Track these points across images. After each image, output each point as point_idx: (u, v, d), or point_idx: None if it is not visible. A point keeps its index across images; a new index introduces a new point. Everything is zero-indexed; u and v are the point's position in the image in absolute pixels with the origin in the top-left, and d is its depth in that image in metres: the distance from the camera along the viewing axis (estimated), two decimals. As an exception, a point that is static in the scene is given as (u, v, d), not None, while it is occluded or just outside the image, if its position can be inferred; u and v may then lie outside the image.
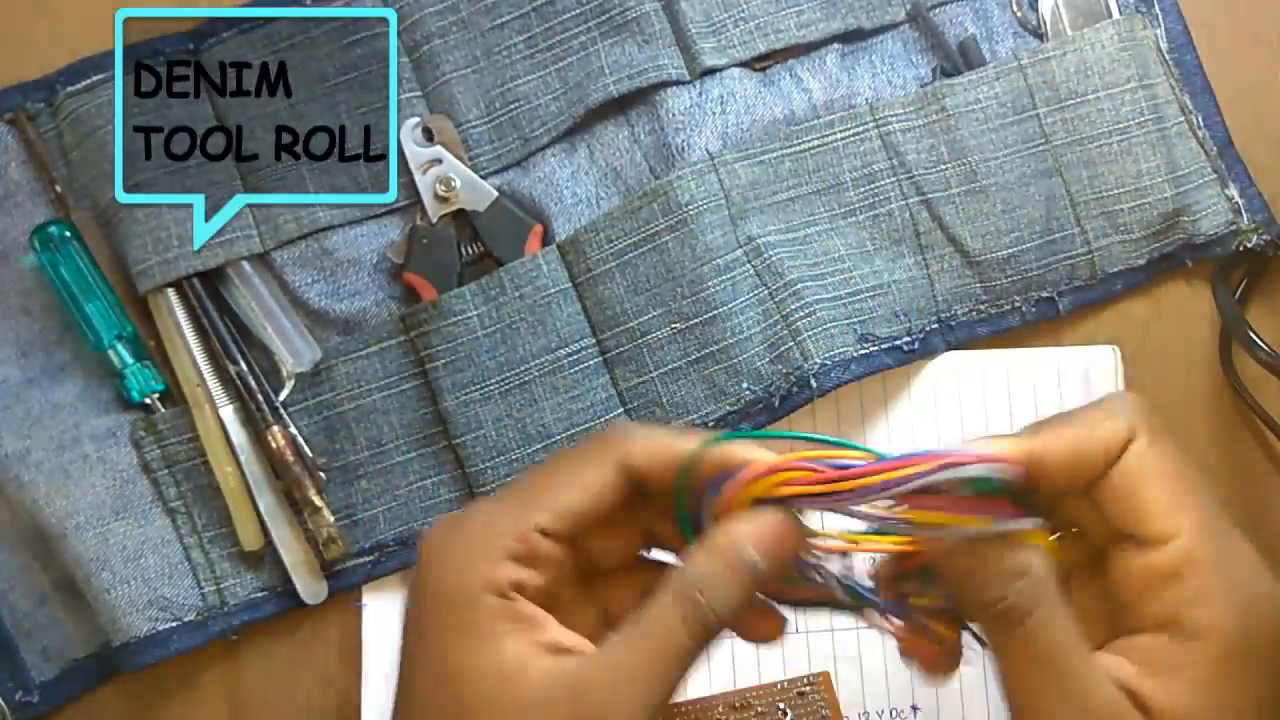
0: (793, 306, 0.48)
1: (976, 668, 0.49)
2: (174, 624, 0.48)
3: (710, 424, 0.48)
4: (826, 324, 0.48)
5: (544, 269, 0.49)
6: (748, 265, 0.48)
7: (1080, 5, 0.52)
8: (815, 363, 0.47)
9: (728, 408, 0.48)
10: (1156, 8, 0.53)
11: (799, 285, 0.48)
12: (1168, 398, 0.52)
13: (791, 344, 0.47)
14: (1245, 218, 0.52)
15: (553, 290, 0.49)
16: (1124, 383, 0.52)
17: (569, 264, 0.49)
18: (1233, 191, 0.52)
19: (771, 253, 0.48)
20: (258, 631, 0.49)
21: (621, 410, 0.49)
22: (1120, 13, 0.52)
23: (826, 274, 0.49)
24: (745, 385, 0.48)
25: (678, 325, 0.48)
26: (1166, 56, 0.52)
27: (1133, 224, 0.51)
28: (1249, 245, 0.51)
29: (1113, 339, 0.52)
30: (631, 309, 0.48)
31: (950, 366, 0.51)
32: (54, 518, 0.47)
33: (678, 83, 0.50)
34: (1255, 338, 0.49)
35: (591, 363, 0.49)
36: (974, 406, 0.52)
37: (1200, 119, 0.52)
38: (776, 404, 0.48)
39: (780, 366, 0.47)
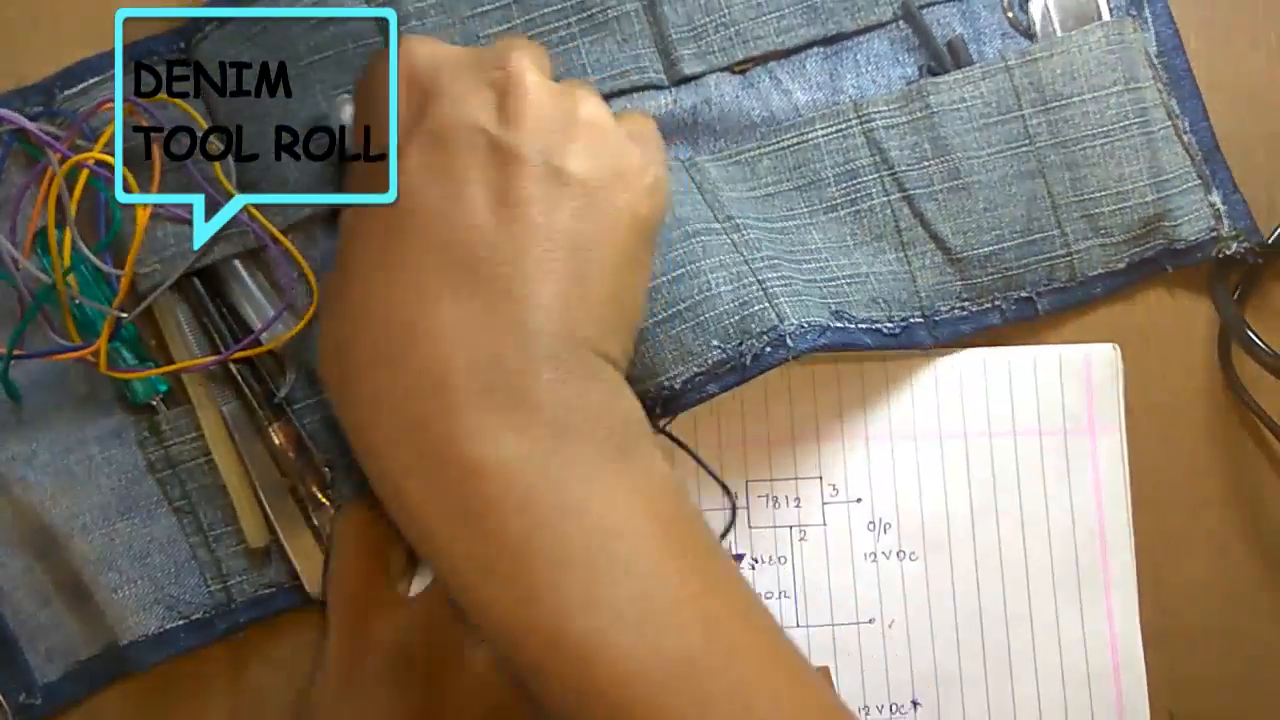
0: (769, 276, 0.47)
1: (978, 664, 0.48)
2: (181, 622, 0.48)
3: (677, 386, 0.47)
4: (803, 295, 0.48)
5: None
6: (724, 236, 0.47)
7: (1070, 7, 0.52)
8: (791, 323, 0.46)
9: (695, 369, 0.46)
10: (1147, 11, 0.53)
11: (776, 260, 0.48)
12: (1168, 398, 0.53)
13: (766, 305, 0.46)
14: (1226, 224, 0.52)
15: None
16: (1124, 381, 0.52)
17: None
18: (1215, 198, 0.52)
19: (749, 231, 0.48)
20: (264, 632, 0.49)
21: None
22: (1111, 15, 0.52)
23: (802, 260, 0.49)
24: (714, 344, 0.46)
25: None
26: (1155, 60, 0.52)
27: (1113, 227, 0.51)
28: (1228, 252, 0.52)
29: (1111, 339, 0.52)
30: None
31: (951, 363, 0.52)
32: (61, 518, 0.47)
33: (656, 86, 0.50)
34: (1254, 338, 0.50)
35: None
36: (976, 402, 0.52)
37: (1187, 123, 0.52)
38: (748, 362, 0.46)
39: (753, 325, 0.46)
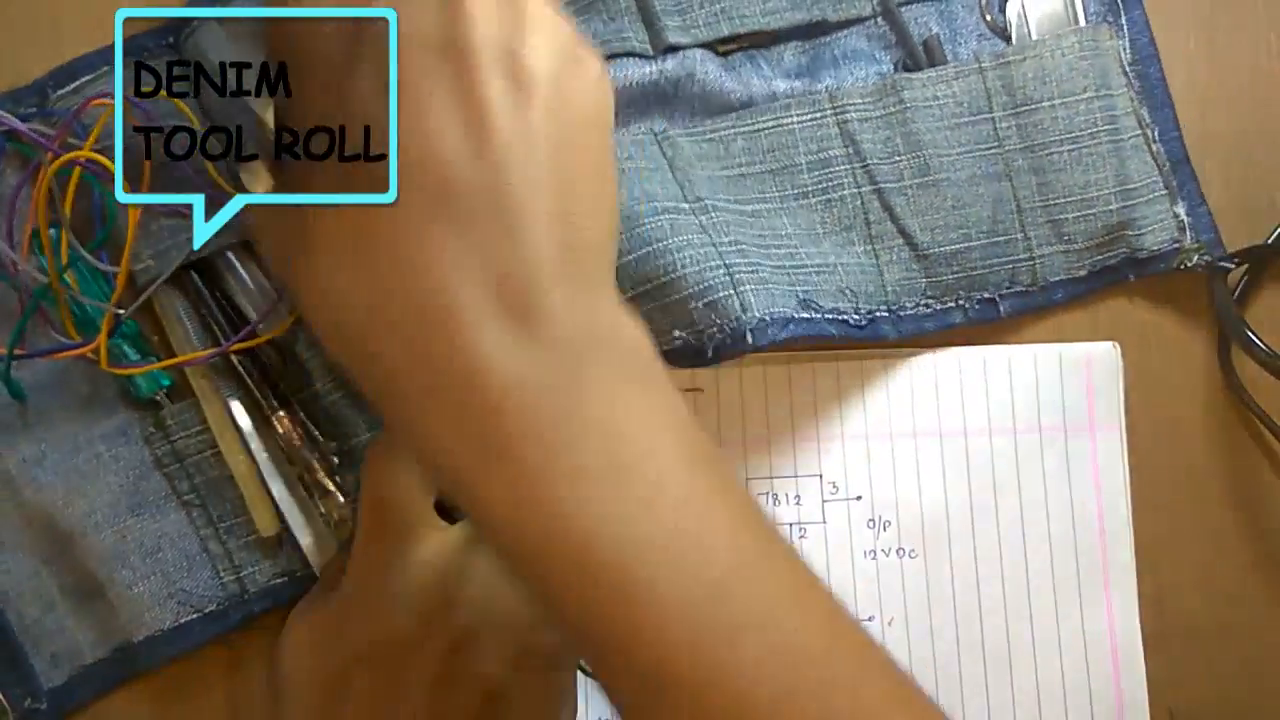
0: (735, 260, 0.47)
1: (978, 662, 0.48)
2: (195, 615, 0.48)
3: None
4: (769, 283, 0.47)
5: None
6: (693, 217, 0.47)
7: (1046, 11, 0.53)
8: (754, 315, 0.46)
9: (662, 348, 0.45)
10: (1123, 18, 0.53)
11: (744, 245, 0.48)
12: (1168, 398, 0.53)
13: (730, 292, 0.46)
14: (1189, 236, 0.52)
15: None
16: (1125, 379, 0.52)
17: None
18: (1180, 209, 0.52)
19: (718, 214, 0.48)
20: (264, 632, 0.49)
21: None
22: (1086, 22, 0.52)
23: (771, 246, 0.49)
24: (675, 331, 0.46)
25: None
26: (1129, 68, 0.53)
27: (1076, 234, 0.52)
28: (1189, 265, 0.52)
29: (1112, 338, 0.53)
30: None
31: (951, 360, 0.52)
32: (74, 518, 0.47)
33: (640, 55, 0.50)
34: (1254, 338, 0.50)
35: None
36: (975, 400, 0.52)
37: (1157, 133, 0.53)
38: (709, 354, 0.46)
39: (714, 315, 0.46)
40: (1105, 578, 0.51)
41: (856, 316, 0.49)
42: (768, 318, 0.46)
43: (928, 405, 0.52)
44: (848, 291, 0.50)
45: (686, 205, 0.48)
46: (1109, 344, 0.52)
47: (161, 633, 0.47)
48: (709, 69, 0.50)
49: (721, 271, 0.46)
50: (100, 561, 0.47)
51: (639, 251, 0.46)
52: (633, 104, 0.50)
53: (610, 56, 0.49)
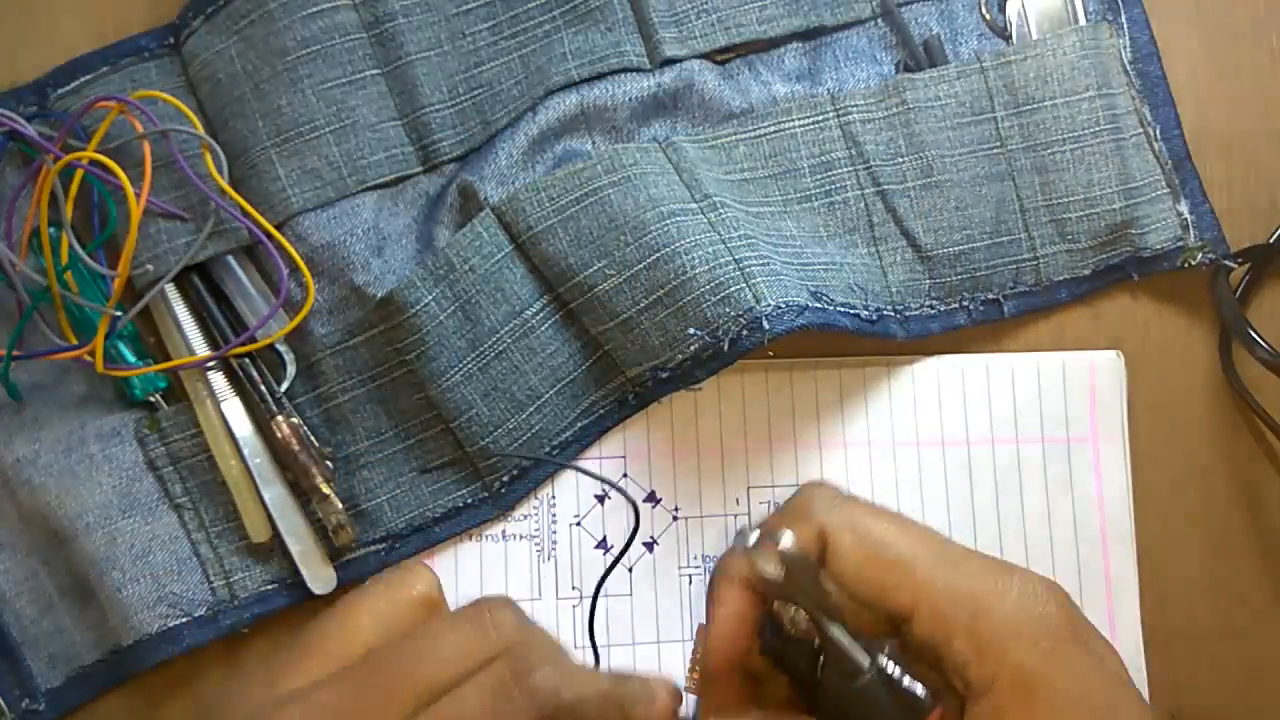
0: (746, 255, 0.47)
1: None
2: (184, 620, 0.48)
3: (665, 375, 0.48)
4: (781, 275, 0.47)
5: (485, 236, 0.48)
6: (701, 216, 0.47)
7: (1046, 10, 0.52)
8: (768, 304, 0.46)
9: (680, 355, 0.47)
10: (1123, 16, 0.53)
11: (754, 239, 0.48)
12: (1168, 397, 0.53)
13: (743, 285, 0.46)
14: (1193, 234, 0.52)
15: (498, 255, 0.48)
16: (1127, 386, 0.52)
17: (507, 225, 0.48)
18: (1183, 208, 0.52)
19: (727, 210, 0.48)
20: (266, 631, 0.49)
21: (600, 352, 0.49)
22: (1087, 20, 0.52)
23: (779, 245, 0.49)
24: (691, 331, 0.46)
25: (614, 277, 0.47)
26: (1129, 67, 0.52)
27: (1080, 233, 0.51)
28: (1193, 263, 0.52)
29: (1113, 338, 0.52)
30: (576, 263, 0.48)
31: (954, 367, 0.52)
32: (65, 519, 0.47)
33: (638, 69, 0.50)
34: (1256, 337, 0.50)
35: (558, 317, 0.49)
36: (978, 409, 0.52)
37: (1158, 131, 0.52)
38: (725, 348, 0.46)
39: (728, 309, 0.46)
40: (1107, 586, 0.51)
41: (867, 311, 0.49)
42: (782, 305, 0.46)
43: (930, 413, 0.51)
44: (856, 288, 0.49)
45: (695, 204, 0.47)
46: (1112, 353, 0.52)
47: (149, 637, 0.47)
48: (707, 79, 0.50)
49: (732, 267, 0.46)
50: (91, 563, 0.46)
51: (648, 260, 0.46)
52: (634, 116, 0.50)
53: (608, 74, 0.49)
